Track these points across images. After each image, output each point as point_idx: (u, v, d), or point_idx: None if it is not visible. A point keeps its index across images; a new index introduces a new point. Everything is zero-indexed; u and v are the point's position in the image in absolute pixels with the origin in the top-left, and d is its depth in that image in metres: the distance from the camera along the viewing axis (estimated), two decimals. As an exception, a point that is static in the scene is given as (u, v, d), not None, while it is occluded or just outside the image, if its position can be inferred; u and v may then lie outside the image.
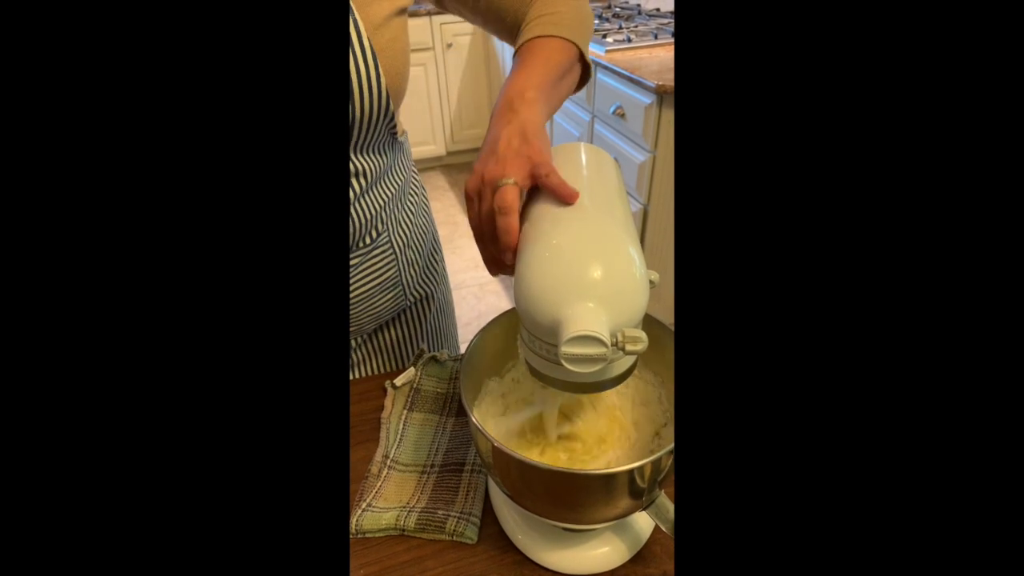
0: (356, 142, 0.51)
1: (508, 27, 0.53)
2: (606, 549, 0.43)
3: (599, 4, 2.38)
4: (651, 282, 0.35)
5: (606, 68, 1.60)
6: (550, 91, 0.44)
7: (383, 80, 0.48)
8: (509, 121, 0.38)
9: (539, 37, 0.47)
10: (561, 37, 0.47)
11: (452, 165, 3.01)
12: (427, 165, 2.99)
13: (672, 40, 1.71)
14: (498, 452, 0.35)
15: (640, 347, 0.29)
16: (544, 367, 0.34)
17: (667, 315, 1.65)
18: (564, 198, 0.34)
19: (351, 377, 0.67)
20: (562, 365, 0.30)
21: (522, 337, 0.35)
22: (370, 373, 0.69)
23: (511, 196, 0.34)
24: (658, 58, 1.57)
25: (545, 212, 0.36)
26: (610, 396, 0.47)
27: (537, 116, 0.40)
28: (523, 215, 0.37)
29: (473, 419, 0.36)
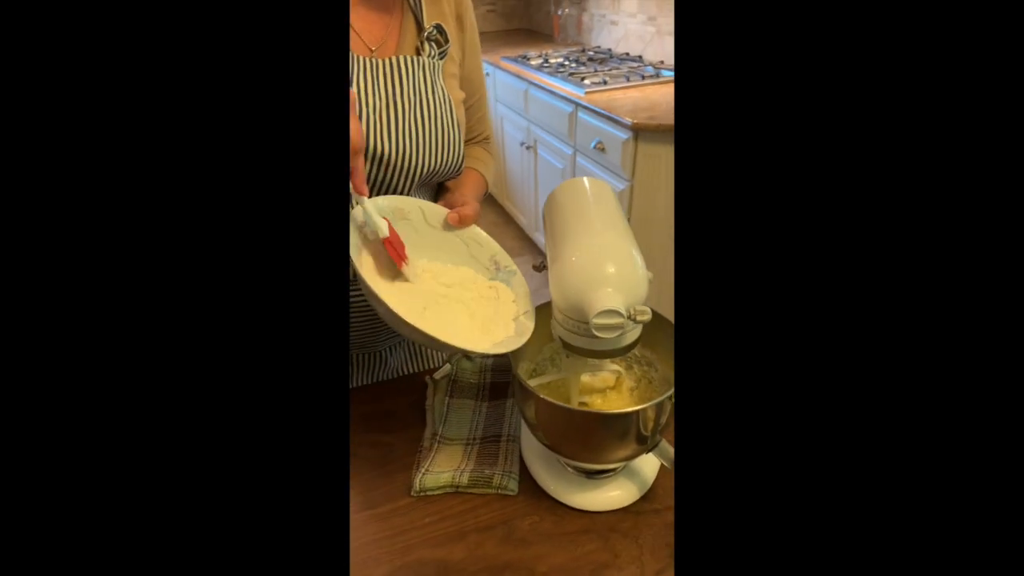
0: (440, 180, 0.72)
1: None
2: (619, 492, 0.55)
3: (575, 49, 2.59)
4: (649, 279, 0.49)
5: (586, 108, 1.77)
6: (478, 194, 0.75)
7: (462, 142, 0.69)
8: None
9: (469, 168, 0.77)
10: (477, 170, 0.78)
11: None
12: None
13: (642, 82, 1.90)
14: (542, 402, 0.47)
15: (647, 317, 0.42)
16: (576, 340, 0.47)
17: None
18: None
19: (396, 375, 0.79)
20: (591, 337, 0.43)
21: (556, 320, 0.48)
22: (407, 372, 0.81)
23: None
24: (631, 98, 1.75)
25: (568, 231, 0.49)
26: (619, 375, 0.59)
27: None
28: (550, 232, 0.51)
29: (521, 379, 0.49)
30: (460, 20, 0.71)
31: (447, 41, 0.67)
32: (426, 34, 0.65)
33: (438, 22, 0.66)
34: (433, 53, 0.66)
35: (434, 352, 0.83)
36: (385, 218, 0.53)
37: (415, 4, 0.66)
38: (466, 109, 0.75)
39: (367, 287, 0.45)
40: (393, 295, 0.50)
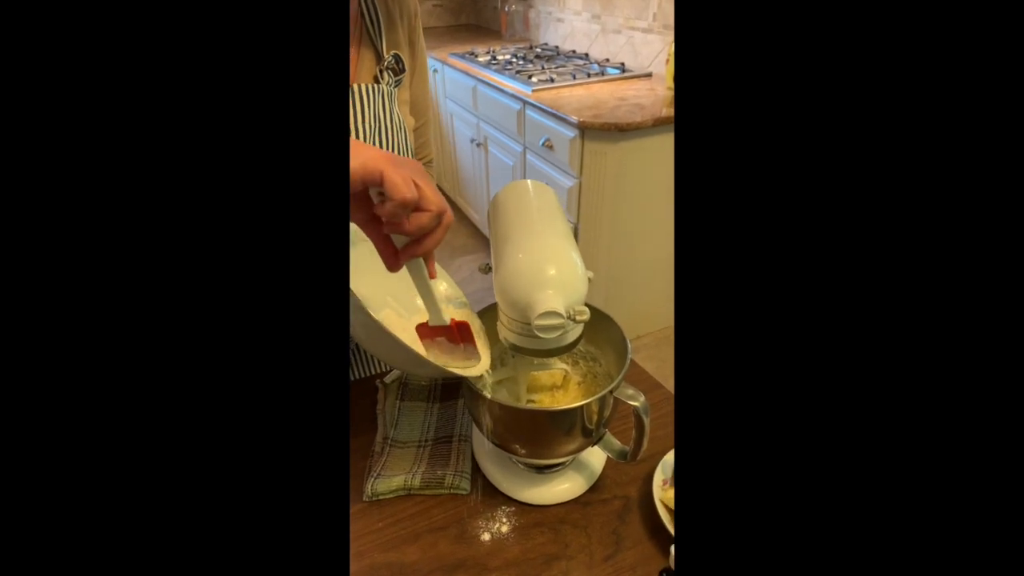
0: None
1: None
2: (568, 484, 0.57)
3: (522, 46, 2.60)
4: (589, 278, 0.51)
5: (534, 106, 1.79)
6: None
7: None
8: None
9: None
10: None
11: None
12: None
13: (588, 80, 1.94)
14: (491, 403, 0.48)
15: (585, 317, 0.44)
16: (521, 341, 0.48)
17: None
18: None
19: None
20: (534, 337, 0.44)
21: (502, 322, 0.49)
22: (362, 375, 0.80)
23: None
24: (577, 96, 1.78)
25: (510, 234, 0.50)
26: (567, 373, 0.61)
27: None
28: (493, 235, 0.52)
29: (470, 382, 0.49)
30: (412, 46, 0.74)
31: (403, 70, 0.70)
32: (385, 63, 0.68)
33: (395, 51, 0.69)
34: (390, 81, 0.69)
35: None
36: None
37: (374, 34, 0.68)
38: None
39: (369, 315, 0.44)
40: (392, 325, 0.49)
